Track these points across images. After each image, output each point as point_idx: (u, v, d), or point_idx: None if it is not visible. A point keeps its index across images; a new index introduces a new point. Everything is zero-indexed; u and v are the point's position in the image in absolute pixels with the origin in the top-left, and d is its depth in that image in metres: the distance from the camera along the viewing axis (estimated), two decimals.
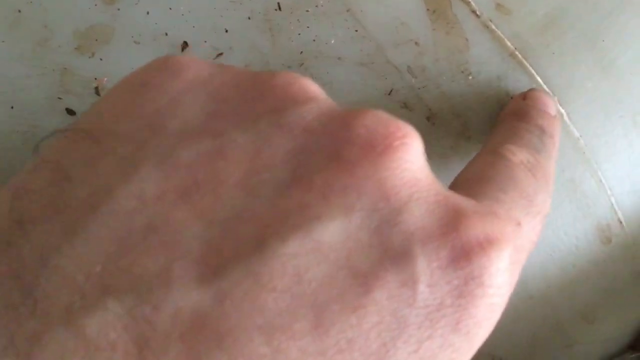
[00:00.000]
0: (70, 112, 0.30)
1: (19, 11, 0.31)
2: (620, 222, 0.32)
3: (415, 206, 0.17)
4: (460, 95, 0.30)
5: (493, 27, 0.31)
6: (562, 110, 0.31)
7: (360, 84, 0.31)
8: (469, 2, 0.32)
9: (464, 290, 0.16)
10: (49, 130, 0.29)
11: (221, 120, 0.18)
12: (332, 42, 0.31)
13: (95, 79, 0.31)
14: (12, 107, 0.30)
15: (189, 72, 0.20)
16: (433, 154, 0.31)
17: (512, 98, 0.28)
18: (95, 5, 0.32)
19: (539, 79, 0.31)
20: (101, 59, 0.31)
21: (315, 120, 0.18)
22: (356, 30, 0.32)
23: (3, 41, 0.31)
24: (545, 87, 0.31)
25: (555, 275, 0.31)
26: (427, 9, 0.32)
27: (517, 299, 0.31)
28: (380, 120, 0.18)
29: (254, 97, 0.19)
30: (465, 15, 0.31)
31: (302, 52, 0.31)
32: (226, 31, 0.32)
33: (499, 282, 0.17)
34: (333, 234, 0.15)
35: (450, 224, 0.17)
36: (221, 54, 0.31)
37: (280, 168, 0.17)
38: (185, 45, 0.31)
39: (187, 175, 0.16)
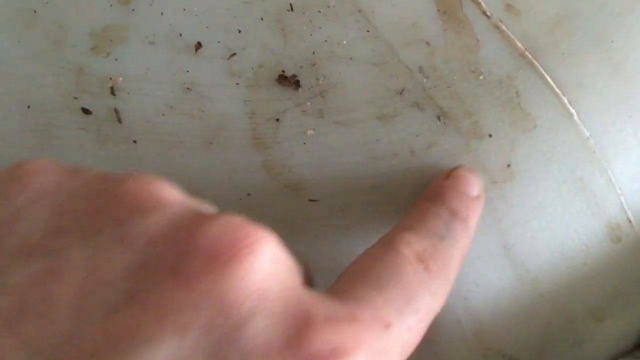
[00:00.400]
0: (86, 111, 0.31)
1: (35, 11, 0.32)
2: (630, 221, 0.32)
3: (259, 319, 0.16)
4: (471, 95, 0.31)
5: (503, 27, 0.32)
6: (572, 110, 0.31)
7: (372, 83, 0.31)
8: (480, 2, 0.32)
9: None
10: (65, 129, 0.30)
11: (62, 236, 0.17)
12: (344, 42, 0.32)
13: (111, 78, 0.31)
14: (28, 107, 0.30)
15: (36, 182, 0.19)
16: (444, 153, 0.31)
17: (435, 178, 0.28)
18: (111, 5, 0.32)
19: (548, 78, 0.31)
20: (116, 59, 0.31)
21: (160, 231, 0.17)
22: (368, 31, 0.32)
23: (19, 41, 0.31)
24: (555, 86, 0.31)
25: (566, 273, 0.31)
26: (438, 10, 0.32)
27: (527, 298, 0.31)
28: (228, 227, 0.17)
29: (100, 208, 0.18)
30: (476, 15, 0.32)
31: (314, 52, 0.32)
32: (239, 32, 0.32)
33: None
34: (164, 358, 0.15)
35: (295, 336, 0.16)
36: (234, 54, 0.32)
37: (116, 287, 0.16)
38: (199, 45, 0.32)
39: (15, 299, 0.15)
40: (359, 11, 0.32)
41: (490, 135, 0.31)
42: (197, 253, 0.17)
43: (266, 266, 0.17)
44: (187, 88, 0.31)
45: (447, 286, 0.23)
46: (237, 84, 0.31)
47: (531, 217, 0.31)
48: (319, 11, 0.32)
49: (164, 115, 0.31)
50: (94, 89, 0.31)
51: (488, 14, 0.32)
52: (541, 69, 0.31)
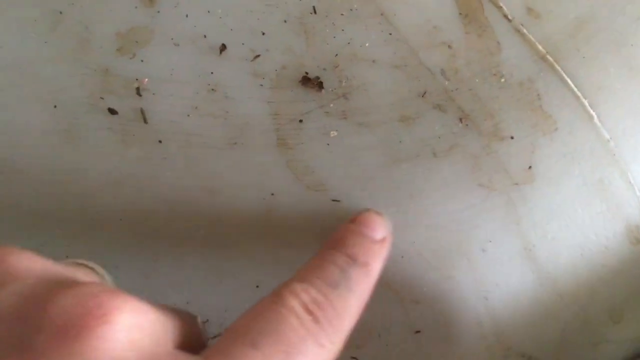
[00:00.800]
0: (112, 111, 0.31)
1: (60, 12, 0.32)
2: None
3: None
4: (492, 98, 0.31)
5: (524, 30, 0.32)
6: (593, 113, 0.31)
7: (394, 86, 0.31)
8: (501, 6, 0.32)
9: None
10: (91, 129, 0.30)
11: None
12: (367, 45, 0.32)
13: (136, 79, 0.31)
14: (54, 106, 0.31)
15: None
16: (466, 155, 0.31)
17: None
18: (136, 7, 0.32)
19: (569, 81, 0.31)
20: (142, 60, 0.32)
21: (8, 306, 0.17)
22: (390, 34, 0.32)
23: (45, 42, 0.32)
24: (575, 89, 0.31)
25: (585, 274, 0.32)
26: (460, 13, 0.32)
27: (547, 298, 0.32)
28: (80, 298, 0.17)
29: None
30: (497, 19, 0.32)
31: (337, 54, 0.32)
32: (263, 34, 0.32)
33: None
34: None
35: None
36: (258, 55, 0.32)
37: None
38: (223, 47, 0.32)
39: None
40: (381, 14, 0.32)
41: (511, 137, 0.31)
42: (45, 327, 0.16)
43: (122, 336, 0.17)
44: (212, 89, 0.31)
45: (341, 334, 0.22)
46: (261, 85, 0.32)
47: (551, 219, 0.31)
48: (342, 14, 0.32)
49: (188, 115, 0.31)
50: (120, 90, 0.31)
51: (509, 17, 0.32)
52: (562, 72, 0.32)
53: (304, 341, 0.21)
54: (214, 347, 0.20)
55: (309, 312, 0.22)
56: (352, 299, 0.23)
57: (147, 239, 0.31)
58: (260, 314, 0.21)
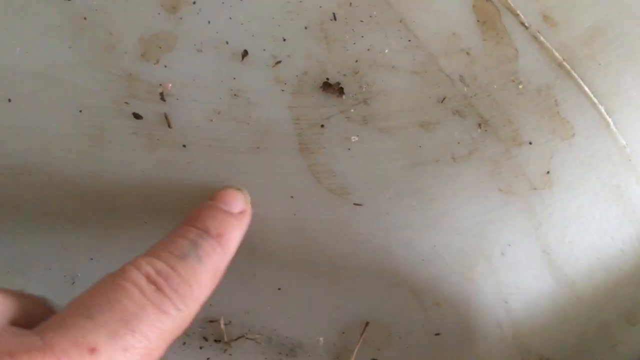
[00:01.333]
0: (137, 116, 0.32)
1: (85, 18, 0.33)
2: None
3: None
4: (511, 104, 0.31)
5: (541, 38, 0.32)
6: (609, 119, 0.32)
7: (414, 91, 0.32)
8: (518, 14, 0.33)
9: None
10: (117, 134, 0.31)
11: None
12: (386, 51, 0.33)
13: (160, 84, 0.32)
14: (80, 111, 0.31)
15: None
16: (485, 160, 0.32)
17: None
18: (159, 14, 0.33)
19: (586, 88, 0.32)
20: (165, 66, 0.32)
21: None
22: (409, 40, 0.33)
23: (70, 47, 0.32)
24: (592, 96, 0.32)
25: (602, 278, 0.32)
26: (478, 20, 0.33)
27: (565, 301, 0.32)
28: None
29: None
30: (514, 26, 0.33)
31: (357, 60, 0.33)
32: (284, 40, 0.33)
33: None
34: None
35: None
36: (279, 61, 0.32)
37: None
38: (245, 53, 0.33)
39: None
40: (400, 21, 0.33)
41: (530, 143, 0.32)
42: None
43: None
44: (234, 94, 0.32)
45: (190, 302, 0.23)
46: (283, 90, 0.32)
47: (569, 223, 0.32)
48: (361, 21, 0.33)
49: (212, 120, 0.31)
50: (144, 95, 0.32)
51: (526, 24, 0.33)
52: (579, 78, 0.32)
53: (144, 308, 0.22)
54: (50, 320, 0.21)
55: (152, 282, 0.23)
56: (201, 267, 0.24)
57: None
58: (101, 288, 0.22)
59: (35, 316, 0.22)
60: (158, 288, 0.22)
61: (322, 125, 0.31)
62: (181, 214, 0.31)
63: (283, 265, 0.31)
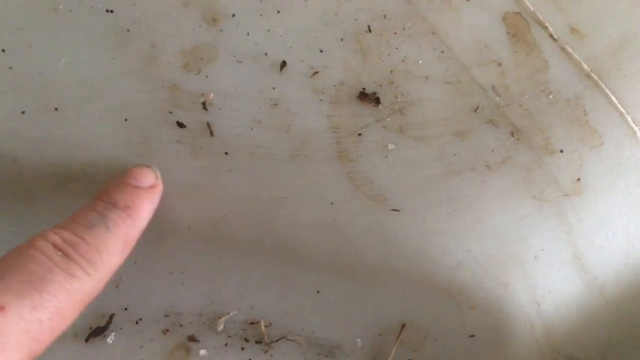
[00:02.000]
0: (181, 125, 0.33)
1: (128, 30, 0.34)
2: None
3: None
4: (542, 113, 0.33)
5: (569, 49, 0.34)
6: (636, 128, 0.33)
7: (448, 101, 0.33)
8: (546, 26, 0.34)
9: None
10: (162, 142, 0.32)
11: None
12: (420, 62, 0.34)
13: (202, 94, 0.33)
14: (125, 120, 0.32)
15: None
16: (518, 168, 0.33)
17: None
18: (200, 26, 0.34)
19: (613, 98, 0.33)
20: (207, 76, 0.33)
21: None
22: (442, 52, 0.34)
23: (114, 58, 0.33)
24: (619, 106, 0.33)
25: (630, 281, 0.33)
26: (508, 32, 0.34)
27: (594, 304, 0.33)
28: None
29: None
30: (543, 38, 0.34)
31: (392, 71, 0.34)
32: (321, 51, 0.34)
33: None
34: None
35: None
36: (317, 72, 0.34)
37: None
38: (283, 64, 0.34)
39: None
40: (433, 33, 0.34)
41: (561, 151, 0.33)
42: None
43: None
44: (274, 104, 0.33)
45: (99, 267, 0.25)
46: (321, 100, 0.33)
47: (599, 228, 0.33)
48: (395, 32, 0.34)
49: (252, 129, 0.33)
50: (187, 104, 0.33)
51: (554, 36, 0.34)
52: (606, 89, 0.33)
53: (50, 271, 0.23)
54: None
55: (59, 249, 0.24)
56: (109, 236, 0.26)
57: (213, 246, 0.32)
58: (8, 258, 0.24)
59: None
60: (65, 254, 0.24)
61: (360, 134, 0.33)
62: (223, 219, 0.32)
63: (322, 269, 0.32)
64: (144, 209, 0.28)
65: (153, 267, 0.32)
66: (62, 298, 0.23)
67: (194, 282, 0.32)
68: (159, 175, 0.30)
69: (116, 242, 0.26)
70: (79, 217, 0.26)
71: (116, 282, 0.31)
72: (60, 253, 0.24)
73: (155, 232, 0.31)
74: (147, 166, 0.30)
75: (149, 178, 0.30)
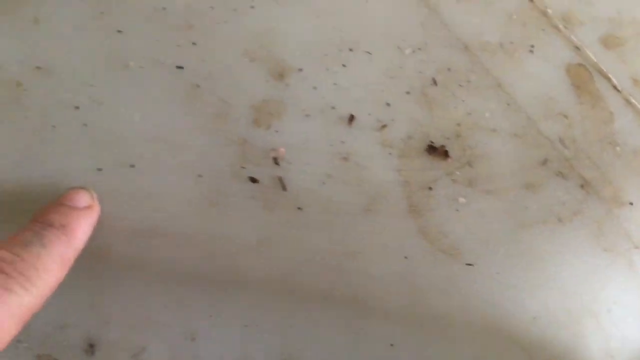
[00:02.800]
0: (253, 180, 0.33)
1: (198, 86, 0.34)
2: None
3: None
4: (610, 165, 0.33)
5: (633, 101, 0.34)
6: None
7: (515, 154, 0.34)
8: (609, 77, 0.35)
9: None
10: (235, 197, 0.32)
11: None
12: (486, 115, 0.34)
13: (273, 149, 0.33)
14: (199, 175, 0.33)
15: None
16: (589, 220, 0.33)
17: None
18: (267, 81, 0.35)
19: None
20: (277, 131, 0.34)
21: None
22: (508, 104, 0.35)
23: (185, 113, 0.34)
24: None
25: None
26: (572, 84, 0.35)
27: None
28: None
29: None
30: (607, 90, 0.34)
31: (459, 124, 0.34)
32: (388, 105, 0.35)
33: None
34: None
35: None
36: (385, 125, 0.34)
37: None
38: (351, 118, 0.34)
39: None
40: (498, 85, 0.35)
41: (631, 203, 0.33)
42: None
43: None
44: (344, 158, 0.34)
45: (37, 283, 0.26)
46: (390, 154, 0.34)
47: None
48: (460, 85, 0.35)
49: (324, 183, 0.33)
50: (259, 159, 0.33)
51: (618, 88, 0.34)
52: None
53: None
54: None
55: None
56: (45, 253, 0.27)
57: (286, 299, 0.32)
58: None
59: None
60: (2, 271, 0.25)
61: (430, 188, 0.33)
62: (296, 272, 0.32)
63: (396, 322, 0.32)
64: (80, 228, 0.29)
65: (227, 320, 0.32)
66: (1, 313, 0.23)
67: (268, 335, 0.32)
68: (95, 196, 0.31)
69: (53, 257, 0.27)
70: (15, 237, 0.27)
71: (192, 335, 0.31)
72: None
73: (229, 285, 0.31)
74: (83, 188, 0.31)
75: (84, 199, 0.30)
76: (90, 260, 0.31)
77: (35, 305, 0.25)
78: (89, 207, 0.30)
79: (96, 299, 0.31)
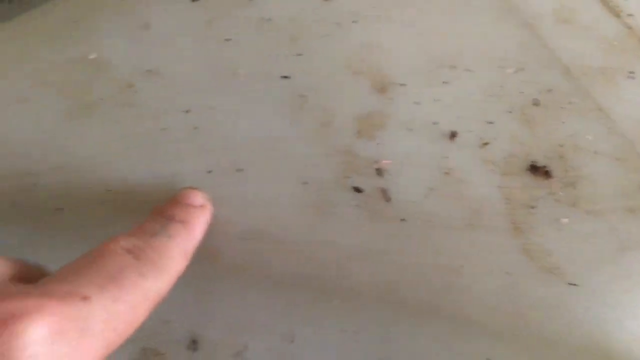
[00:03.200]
0: (358, 190, 0.34)
1: (303, 96, 0.35)
2: None
3: None
4: None
5: None
6: None
7: (617, 177, 0.34)
8: None
9: None
10: (340, 206, 0.33)
11: None
12: (588, 137, 0.35)
13: (376, 161, 0.34)
14: (304, 183, 0.34)
15: None
16: None
17: None
18: (370, 94, 0.35)
19: None
20: (379, 143, 0.34)
21: None
22: (609, 127, 0.35)
23: (291, 122, 0.35)
24: None
25: None
26: None
27: None
28: None
29: None
30: None
31: (561, 145, 0.34)
32: (489, 122, 0.35)
33: (30, 352, 0.19)
34: None
35: None
36: (487, 143, 0.35)
37: None
38: (453, 134, 0.35)
39: None
40: (599, 109, 0.35)
41: None
42: None
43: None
44: (446, 172, 0.34)
45: (163, 271, 0.26)
46: (492, 170, 0.34)
47: None
48: (562, 107, 0.35)
49: (426, 197, 0.33)
50: (363, 170, 0.34)
51: None
52: None
53: (125, 269, 0.25)
54: (44, 279, 0.24)
55: (129, 252, 0.26)
56: (171, 243, 0.28)
57: (386, 309, 0.33)
58: (85, 258, 0.25)
59: (32, 280, 0.24)
60: (135, 256, 0.25)
61: (532, 207, 0.33)
62: (400, 284, 0.33)
63: (495, 338, 0.32)
64: (198, 224, 0.30)
65: (326, 325, 0.32)
66: (138, 294, 0.24)
67: (365, 342, 0.32)
68: (207, 197, 0.32)
69: (177, 248, 0.28)
70: (142, 228, 0.28)
71: (291, 337, 0.32)
72: (131, 255, 0.25)
73: (330, 291, 0.32)
74: (196, 189, 0.32)
75: (199, 199, 0.32)
76: (197, 260, 0.32)
77: (163, 291, 0.26)
78: (203, 206, 0.31)
79: (201, 297, 0.32)
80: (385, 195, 0.33)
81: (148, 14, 0.37)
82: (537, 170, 0.34)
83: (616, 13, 0.40)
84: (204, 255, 0.32)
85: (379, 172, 0.33)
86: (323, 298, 0.32)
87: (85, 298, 0.22)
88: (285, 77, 0.35)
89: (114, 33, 0.36)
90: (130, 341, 0.29)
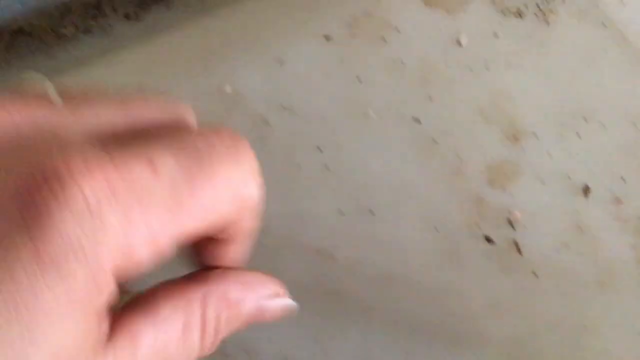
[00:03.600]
0: (489, 240, 0.33)
1: (434, 140, 0.35)
2: None
3: None
4: None
5: None
6: None
7: None
8: None
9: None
10: (470, 255, 0.33)
11: None
12: None
13: (508, 211, 0.34)
14: (435, 228, 0.33)
15: None
16: None
17: None
18: (502, 142, 0.35)
19: None
20: (511, 194, 0.34)
21: None
22: None
23: (421, 166, 0.35)
24: None
25: None
26: None
27: None
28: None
29: None
30: None
31: None
32: (622, 179, 0.34)
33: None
34: None
35: None
36: (620, 201, 0.34)
37: None
38: (587, 189, 0.34)
39: None
40: None
41: None
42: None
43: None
44: (579, 228, 0.33)
45: None
46: (625, 229, 0.33)
47: None
48: None
49: (559, 251, 0.33)
50: (494, 219, 0.34)
51: None
52: None
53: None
54: None
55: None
56: None
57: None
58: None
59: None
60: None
61: None
62: (533, 339, 0.32)
63: None
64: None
65: None
66: None
67: None
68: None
69: None
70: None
71: None
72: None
73: (457, 341, 0.32)
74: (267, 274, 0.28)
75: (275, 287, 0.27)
76: (323, 299, 0.32)
77: None
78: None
79: (321, 335, 0.32)
80: (517, 247, 0.33)
81: (282, 50, 0.38)
82: None
83: None
84: (329, 294, 0.32)
85: (511, 223, 0.33)
86: (448, 347, 0.32)
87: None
88: (416, 119, 0.36)
89: (249, 67, 0.37)
90: None
